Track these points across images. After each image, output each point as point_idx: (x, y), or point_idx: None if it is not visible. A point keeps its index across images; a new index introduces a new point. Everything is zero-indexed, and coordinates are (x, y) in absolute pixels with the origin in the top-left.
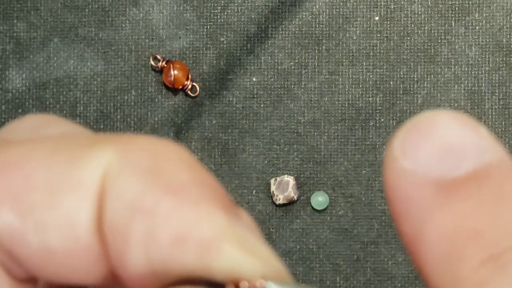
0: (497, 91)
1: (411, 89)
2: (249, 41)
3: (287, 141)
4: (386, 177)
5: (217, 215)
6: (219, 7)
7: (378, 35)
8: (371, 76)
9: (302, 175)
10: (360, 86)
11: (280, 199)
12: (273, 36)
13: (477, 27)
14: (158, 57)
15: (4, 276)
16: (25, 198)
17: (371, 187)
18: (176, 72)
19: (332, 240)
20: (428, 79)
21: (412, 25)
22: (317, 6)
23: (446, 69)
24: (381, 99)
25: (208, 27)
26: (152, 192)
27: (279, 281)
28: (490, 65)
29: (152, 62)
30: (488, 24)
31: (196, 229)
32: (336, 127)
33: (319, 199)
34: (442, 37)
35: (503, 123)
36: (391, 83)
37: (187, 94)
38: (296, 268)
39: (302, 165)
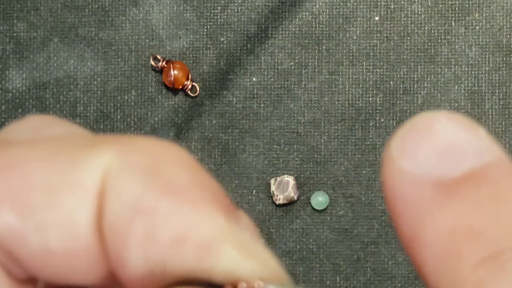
0: (497, 91)
1: (411, 89)
2: (249, 41)
3: (287, 141)
4: (384, 178)
5: (216, 216)
6: (219, 7)
7: (378, 35)
8: (371, 76)
9: (302, 175)
10: (360, 86)
11: (280, 199)
12: (273, 36)
13: (477, 27)
14: (158, 57)
15: (4, 276)
16: (25, 198)
17: (371, 187)
18: (176, 72)
19: (332, 240)
20: (428, 79)
21: (412, 25)
22: (317, 6)
23: (446, 69)
24: (381, 99)
25: (208, 27)
26: (152, 193)
27: (277, 283)
28: (490, 65)
29: (152, 62)
30: (488, 24)
31: (195, 230)
32: (336, 127)
33: (319, 199)
34: (442, 37)
35: (503, 123)
36: (391, 83)
37: (187, 94)
38: (296, 268)
39: (302, 165)
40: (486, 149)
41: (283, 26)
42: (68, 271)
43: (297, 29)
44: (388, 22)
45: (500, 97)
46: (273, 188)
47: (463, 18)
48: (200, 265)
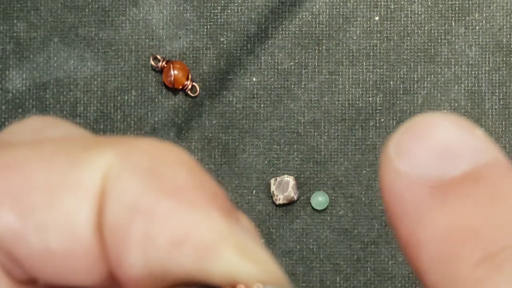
0: (497, 91)
1: (411, 89)
2: (249, 41)
3: (287, 141)
4: (382, 179)
5: (216, 218)
6: (219, 7)
7: (378, 35)
8: (371, 76)
9: (302, 175)
10: (360, 86)
11: (280, 199)
12: (273, 36)
13: (477, 27)
14: (158, 57)
15: (4, 277)
16: (25, 198)
17: (371, 187)
18: (176, 72)
19: (332, 240)
20: (428, 79)
21: (412, 25)
22: (317, 6)
23: (446, 69)
24: (381, 99)
25: (208, 27)
26: (152, 194)
27: (276, 286)
28: (490, 65)
29: (152, 62)
30: (488, 24)
31: (194, 232)
32: (336, 127)
33: (319, 199)
34: (442, 37)
35: (503, 123)
36: (391, 83)
37: (187, 94)
38: (296, 268)
39: (302, 165)
40: (483, 150)
41: (283, 26)
42: (68, 272)
43: (297, 29)
44: (388, 22)
45: (500, 97)
46: (273, 188)
47: (463, 18)
48: (199, 267)
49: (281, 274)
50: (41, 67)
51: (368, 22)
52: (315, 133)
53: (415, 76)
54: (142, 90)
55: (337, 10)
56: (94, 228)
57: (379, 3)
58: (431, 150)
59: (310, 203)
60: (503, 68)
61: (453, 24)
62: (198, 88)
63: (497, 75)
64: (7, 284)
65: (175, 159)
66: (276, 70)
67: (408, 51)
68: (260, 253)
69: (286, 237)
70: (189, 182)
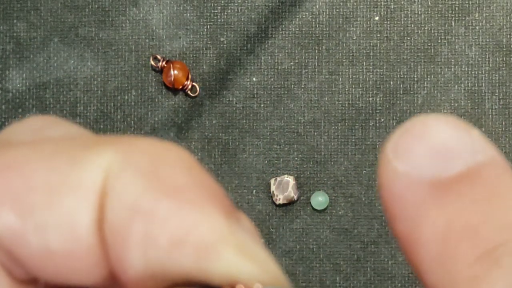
0: (497, 91)
1: (411, 89)
2: (249, 41)
3: (287, 141)
4: (380, 179)
5: (216, 218)
6: (219, 7)
7: (378, 35)
8: (371, 76)
9: (302, 175)
10: (360, 86)
11: (280, 199)
12: (273, 36)
13: (477, 27)
14: (158, 57)
15: (4, 277)
16: (25, 198)
17: (371, 187)
18: (176, 72)
19: (332, 240)
20: (428, 79)
21: (412, 25)
22: (317, 6)
23: (446, 69)
24: (381, 99)
25: (208, 27)
26: (152, 194)
27: (276, 286)
28: (490, 65)
29: (152, 62)
30: (488, 24)
31: (194, 232)
32: (336, 127)
33: (319, 199)
34: (442, 37)
35: (503, 123)
36: (391, 83)
37: (187, 94)
38: (296, 268)
39: (302, 165)
40: (480, 149)
41: (283, 26)
42: (68, 272)
43: (297, 29)
44: (388, 22)
45: (500, 97)
46: (273, 188)
47: (463, 18)
48: (199, 267)
49: (281, 274)
50: (41, 67)
51: (368, 22)
52: (315, 133)
53: (415, 76)
54: (142, 90)
55: (337, 10)
56: (95, 228)
57: (379, 3)
58: (429, 150)
59: (310, 203)
60: (503, 68)
61: (453, 24)
62: (198, 88)
63: (497, 75)
64: (8, 283)
65: (175, 158)
66: (276, 70)
67: (408, 51)
68: (260, 253)
69: (286, 237)
70: (189, 182)
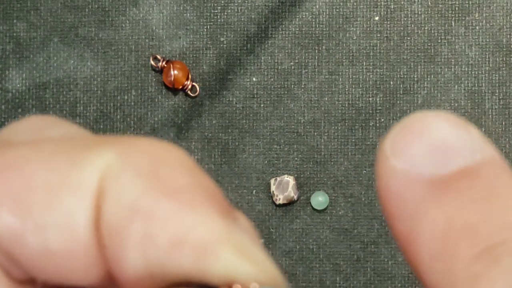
0: (497, 91)
1: (411, 89)
2: (249, 41)
3: (287, 141)
4: (378, 177)
5: (214, 218)
6: (219, 7)
7: (378, 35)
8: (371, 76)
9: (302, 175)
10: (360, 86)
11: (280, 199)
12: (273, 36)
13: (477, 27)
14: (158, 57)
15: (3, 277)
16: (24, 198)
17: (371, 187)
18: (176, 72)
19: (332, 240)
20: (428, 79)
21: (412, 25)
22: (317, 6)
23: (446, 69)
24: (381, 99)
25: (208, 27)
26: (151, 194)
27: (273, 286)
28: (490, 65)
29: (152, 62)
30: (488, 24)
31: (193, 233)
32: (336, 127)
33: (319, 199)
34: (442, 37)
35: (503, 123)
36: (391, 83)
37: (187, 94)
38: (296, 268)
39: (302, 165)
40: (479, 148)
41: (283, 26)
42: (67, 272)
43: (297, 29)
44: (388, 22)
45: (500, 97)
46: (273, 188)
47: (463, 18)
48: (197, 268)
49: (279, 274)
50: (41, 67)
51: (368, 22)
52: (315, 133)
53: (415, 76)
54: (142, 90)
55: (337, 10)
56: (93, 228)
57: (379, 3)
58: (427, 147)
59: (310, 203)
60: (503, 68)
61: (453, 24)
62: (198, 88)
63: (497, 75)
64: (6, 284)
65: (174, 159)
66: (276, 70)
67: (408, 51)
68: (258, 253)
69: (286, 237)
70: (189, 182)
